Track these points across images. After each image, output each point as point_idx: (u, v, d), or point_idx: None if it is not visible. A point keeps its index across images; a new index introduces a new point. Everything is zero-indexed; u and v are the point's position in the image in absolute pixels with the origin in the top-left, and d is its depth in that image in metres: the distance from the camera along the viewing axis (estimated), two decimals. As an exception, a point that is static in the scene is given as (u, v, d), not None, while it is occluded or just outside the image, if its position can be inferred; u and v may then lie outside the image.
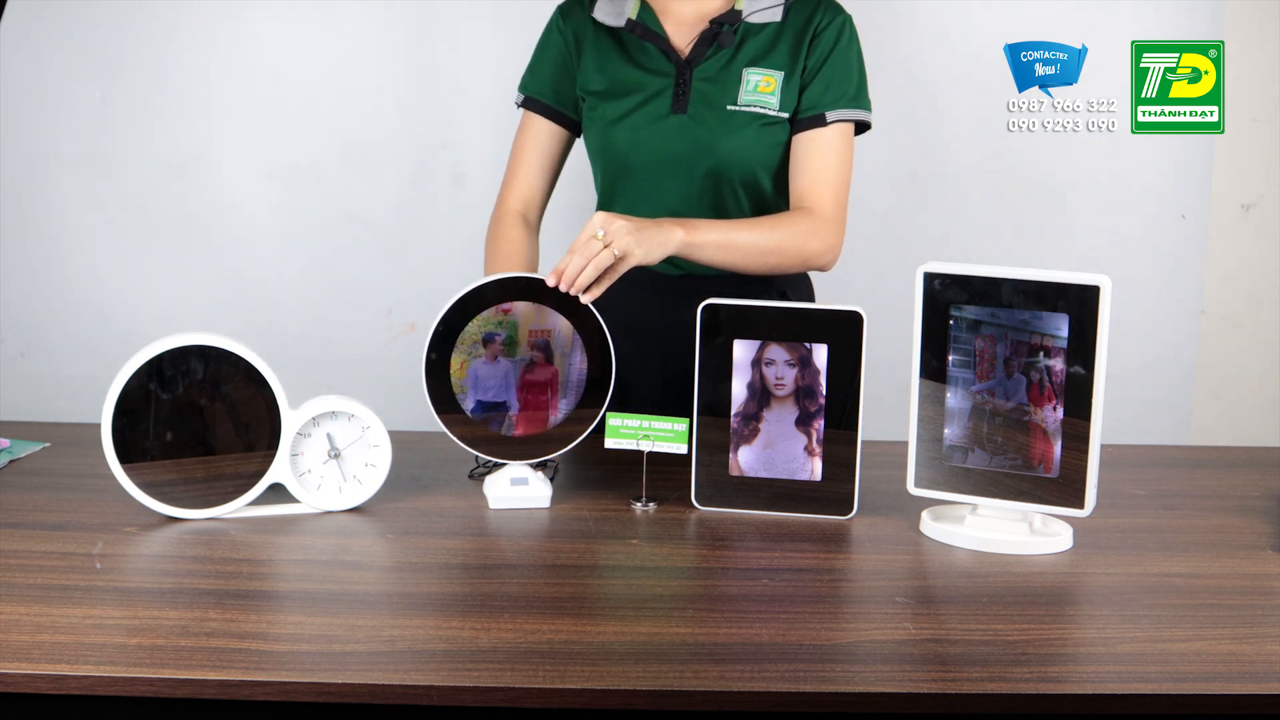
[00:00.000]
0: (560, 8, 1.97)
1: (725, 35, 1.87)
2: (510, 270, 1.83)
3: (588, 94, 1.92)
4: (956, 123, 2.54)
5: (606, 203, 1.95)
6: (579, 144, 1.98)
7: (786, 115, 1.87)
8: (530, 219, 1.96)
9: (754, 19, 1.88)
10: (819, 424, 1.60)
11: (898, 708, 1.18)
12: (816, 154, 1.87)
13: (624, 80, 1.90)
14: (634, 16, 1.91)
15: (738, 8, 1.89)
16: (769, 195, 1.91)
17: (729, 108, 1.86)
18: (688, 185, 1.88)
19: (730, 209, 1.89)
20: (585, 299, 1.63)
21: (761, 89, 1.86)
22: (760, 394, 1.61)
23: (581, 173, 2.00)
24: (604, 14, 1.92)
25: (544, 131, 1.96)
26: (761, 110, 1.86)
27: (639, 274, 1.86)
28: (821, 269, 1.88)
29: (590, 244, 1.63)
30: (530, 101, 1.96)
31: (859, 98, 1.89)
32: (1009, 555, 1.50)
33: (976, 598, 1.38)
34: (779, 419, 1.61)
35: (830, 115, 1.86)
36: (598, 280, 1.63)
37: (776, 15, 1.89)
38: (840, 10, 1.90)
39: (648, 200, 1.90)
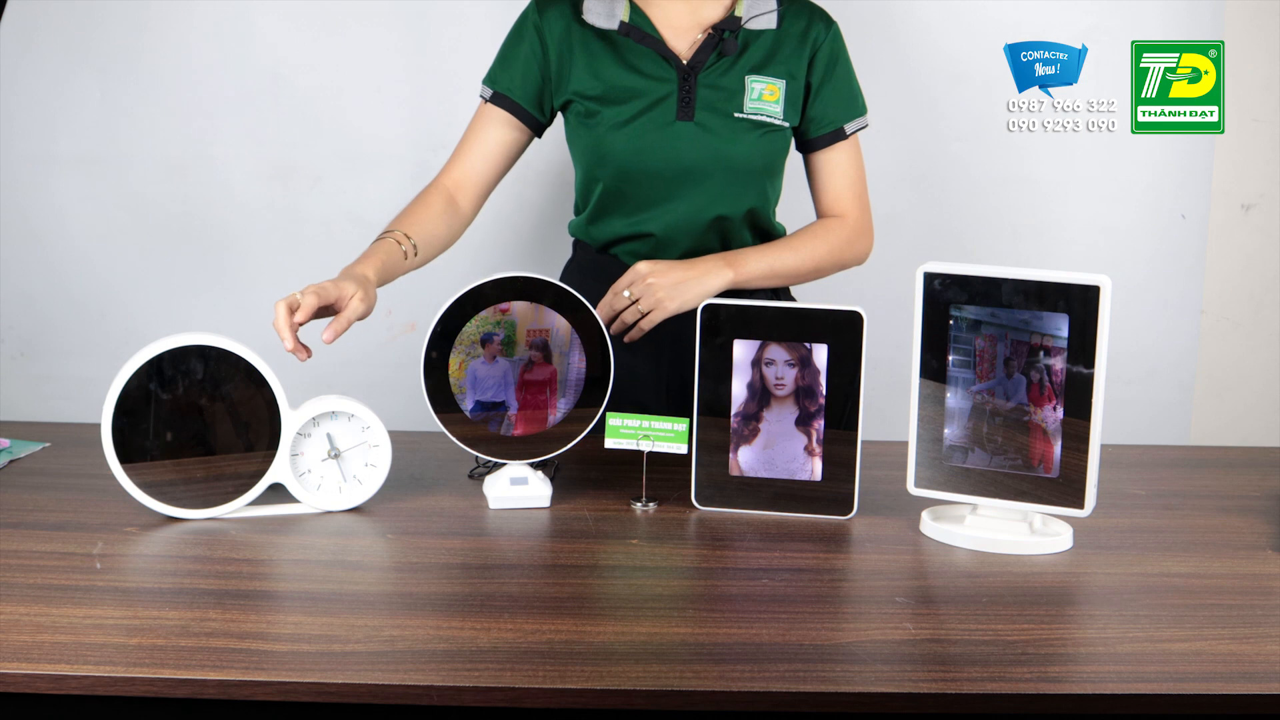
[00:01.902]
0: (536, 1, 1.91)
1: (729, 42, 1.86)
2: (407, 225, 1.81)
3: (581, 98, 1.88)
4: (956, 123, 2.54)
5: (602, 208, 1.92)
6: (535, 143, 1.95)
7: (789, 125, 1.88)
8: (460, 201, 1.90)
9: (752, 25, 1.87)
10: (819, 424, 1.60)
11: (898, 708, 1.18)
12: (840, 168, 1.93)
13: (622, 85, 1.86)
14: (626, 19, 1.87)
15: (737, 13, 1.87)
16: (770, 199, 1.93)
17: (736, 115, 1.86)
18: (695, 192, 1.87)
19: (732, 214, 1.88)
20: (626, 339, 1.79)
21: (766, 97, 1.86)
22: (760, 394, 1.61)
23: (563, 172, 1.97)
24: (594, 15, 1.88)
25: (506, 128, 1.91)
26: (767, 119, 1.86)
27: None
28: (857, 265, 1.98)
29: (617, 299, 1.78)
30: (499, 98, 1.90)
31: (863, 103, 1.94)
32: (1009, 555, 1.50)
33: (976, 598, 1.38)
34: (779, 419, 1.61)
35: (849, 129, 1.92)
36: (635, 325, 1.79)
37: (772, 22, 1.88)
38: (829, 19, 1.92)
39: (653, 207, 1.88)
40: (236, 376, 1.56)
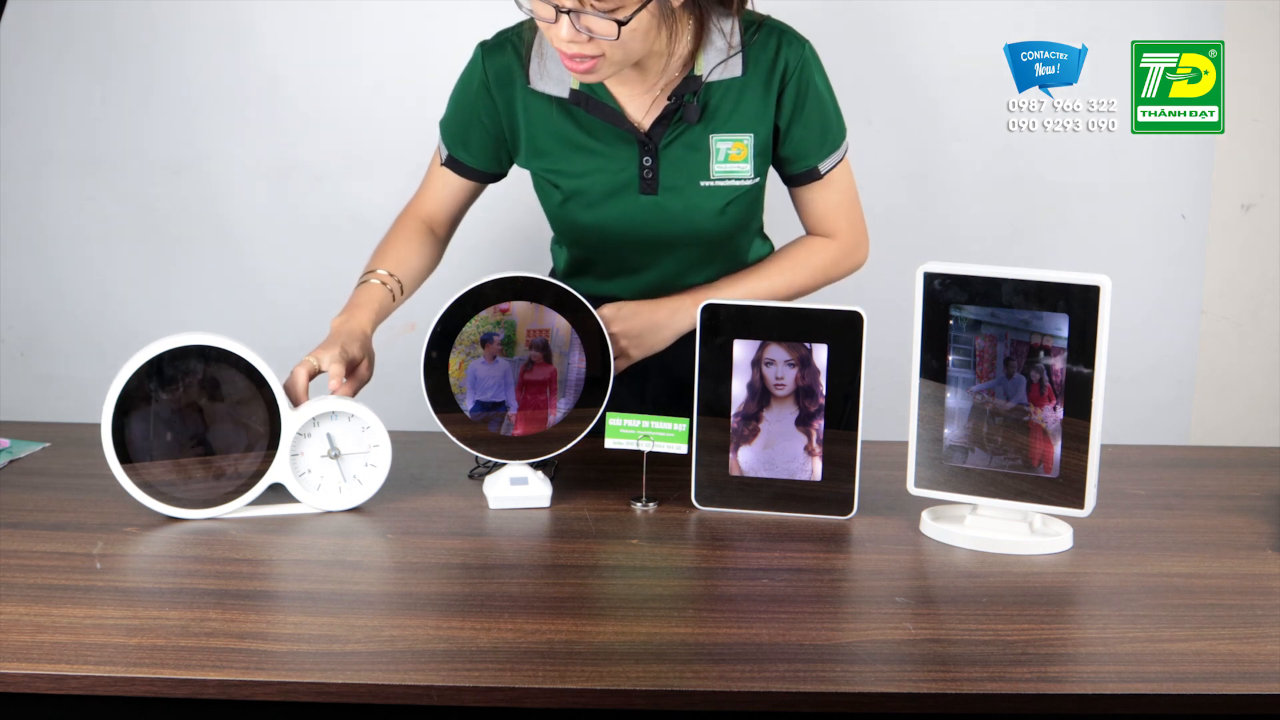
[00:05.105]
0: (485, 50, 1.77)
1: (690, 108, 1.70)
2: (391, 263, 1.79)
3: (537, 172, 1.79)
4: (956, 123, 2.54)
5: (574, 270, 1.87)
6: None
7: (760, 178, 1.78)
8: (436, 230, 1.86)
9: (715, 77, 1.71)
10: (819, 424, 1.60)
11: (898, 708, 1.18)
12: (821, 198, 1.82)
13: (580, 157, 1.75)
14: (577, 85, 1.72)
15: (696, 71, 1.71)
16: (744, 247, 1.86)
17: (702, 184, 1.74)
18: (666, 261, 1.81)
19: (706, 278, 1.82)
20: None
21: (733, 158, 1.74)
22: (760, 394, 1.61)
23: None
24: (543, 83, 1.73)
25: (468, 181, 1.85)
26: (736, 182, 1.75)
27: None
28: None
29: None
30: (454, 163, 1.82)
31: (841, 131, 1.81)
32: (1009, 555, 1.50)
33: (976, 598, 1.38)
34: (779, 419, 1.61)
35: (823, 168, 1.79)
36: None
37: (736, 69, 1.71)
38: (799, 42, 1.74)
39: (624, 275, 1.83)
40: (236, 376, 1.56)
